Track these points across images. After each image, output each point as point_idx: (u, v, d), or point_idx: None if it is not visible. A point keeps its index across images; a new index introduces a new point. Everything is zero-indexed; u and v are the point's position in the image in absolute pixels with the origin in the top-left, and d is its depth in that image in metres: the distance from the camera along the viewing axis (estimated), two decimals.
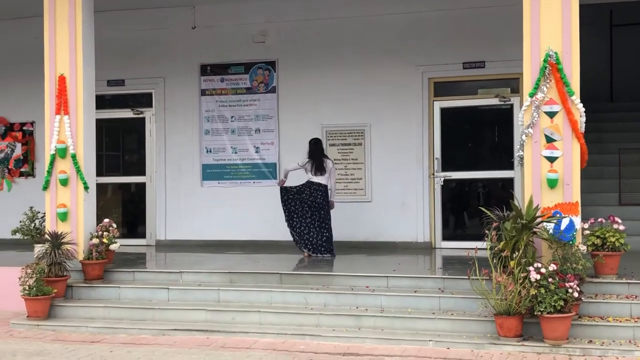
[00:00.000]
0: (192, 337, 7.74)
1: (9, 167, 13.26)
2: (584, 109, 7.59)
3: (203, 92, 12.46)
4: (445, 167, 11.45)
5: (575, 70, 7.60)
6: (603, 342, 6.94)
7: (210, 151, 12.43)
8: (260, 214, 11.92)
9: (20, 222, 10.03)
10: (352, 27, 11.77)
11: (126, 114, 12.82)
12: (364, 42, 11.73)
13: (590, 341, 6.98)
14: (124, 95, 12.88)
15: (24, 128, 13.23)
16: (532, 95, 7.63)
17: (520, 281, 6.95)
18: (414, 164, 11.49)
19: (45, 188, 9.22)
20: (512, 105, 11.12)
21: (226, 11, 12.17)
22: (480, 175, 11.49)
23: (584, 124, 7.62)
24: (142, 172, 12.81)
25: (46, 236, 8.93)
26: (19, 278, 8.45)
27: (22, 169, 13.21)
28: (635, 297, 7.44)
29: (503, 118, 11.31)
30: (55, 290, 8.50)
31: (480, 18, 11.20)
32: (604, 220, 7.82)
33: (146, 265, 10.56)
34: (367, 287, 8.21)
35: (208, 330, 7.82)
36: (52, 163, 9.17)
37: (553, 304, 6.77)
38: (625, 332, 7.07)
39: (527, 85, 7.71)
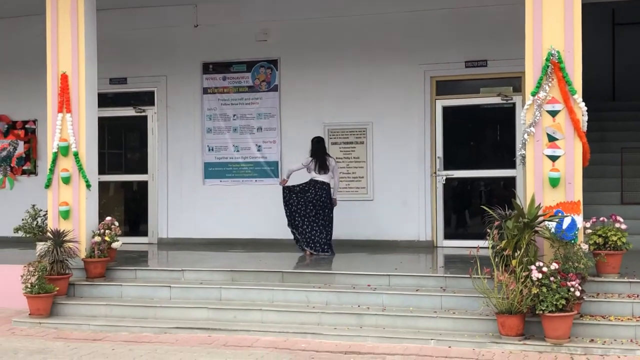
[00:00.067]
0: (193, 335, 7.74)
1: (12, 165, 13.28)
2: (586, 108, 7.58)
3: (205, 91, 12.46)
4: (447, 165, 11.45)
5: (577, 69, 7.59)
6: (605, 341, 6.94)
7: (212, 149, 12.43)
8: (262, 212, 11.93)
9: (23, 220, 10.07)
10: (354, 25, 11.77)
11: (128, 112, 12.82)
12: (366, 41, 11.73)
13: (592, 340, 6.98)
14: (126, 94, 12.88)
15: (27, 126, 13.24)
16: (534, 94, 7.62)
17: (522, 280, 6.94)
18: (416, 163, 11.49)
19: (47, 186, 9.24)
20: (514, 104, 11.11)
21: (228, 9, 12.16)
22: (482, 174, 11.49)
23: (586, 123, 7.61)
24: (144, 171, 12.82)
25: (48, 234, 8.93)
26: (21, 276, 8.46)
27: (25, 167, 13.22)
28: (637, 296, 7.44)
29: (505, 117, 11.30)
30: (58, 288, 8.51)
31: (482, 17, 11.19)
32: (605, 219, 7.82)
33: (148, 263, 10.58)
34: (368, 285, 8.22)
35: (210, 328, 7.82)
36: (54, 161, 9.18)
37: (555, 302, 6.77)
38: (627, 331, 7.06)
39: (530, 84, 7.70)
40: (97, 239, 8.94)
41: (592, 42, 10.12)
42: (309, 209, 10.26)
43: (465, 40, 11.31)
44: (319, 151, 10.42)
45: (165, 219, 12.58)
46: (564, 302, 6.79)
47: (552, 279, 6.85)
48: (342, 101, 11.81)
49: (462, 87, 11.56)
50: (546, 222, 7.39)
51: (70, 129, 9.09)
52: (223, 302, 8.33)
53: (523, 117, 7.74)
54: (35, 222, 9.92)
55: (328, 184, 10.32)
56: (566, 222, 7.36)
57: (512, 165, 10.67)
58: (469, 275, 7.43)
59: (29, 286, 8.39)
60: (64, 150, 9.12)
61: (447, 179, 11.42)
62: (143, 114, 12.77)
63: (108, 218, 9.25)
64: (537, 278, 6.86)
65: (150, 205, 12.71)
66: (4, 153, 13.33)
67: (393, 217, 11.52)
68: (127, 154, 13.40)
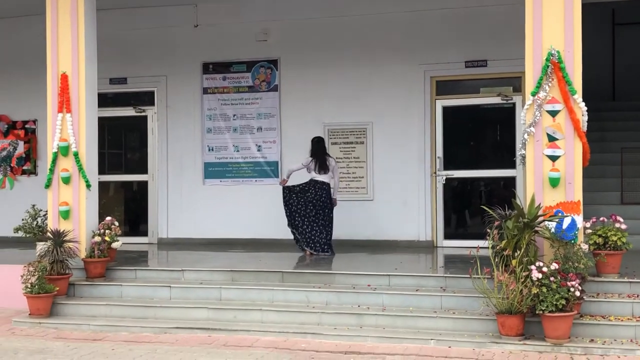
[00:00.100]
0: (193, 335, 7.74)
1: (12, 165, 13.28)
2: (586, 108, 7.58)
3: (205, 91, 12.46)
4: (447, 165, 11.45)
5: (577, 69, 7.59)
6: (605, 341, 6.94)
7: (212, 149, 12.43)
8: (262, 212, 11.93)
9: (23, 220, 10.07)
10: (354, 25, 11.77)
11: (128, 112, 12.82)
12: (366, 41, 11.73)
13: (592, 340, 6.98)
14: (126, 94, 12.88)
15: (27, 126, 13.24)
16: (534, 94, 7.62)
17: (522, 280, 6.94)
18: (416, 163, 11.49)
19: (47, 186, 9.24)
20: (514, 104, 11.11)
21: (228, 9, 12.16)
22: (482, 174, 11.49)
23: (586, 123, 7.61)
24: (144, 171, 12.82)
25: (48, 234, 8.94)
26: (21, 276, 8.46)
27: (25, 167, 13.22)
28: (637, 296, 7.43)
29: (505, 117, 11.30)
30: (57, 288, 8.51)
31: (482, 17, 11.19)
32: (605, 219, 7.81)
33: (148, 263, 10.58)
34: (368, 285, 8.22)
35: (210, 328, 7.82)
36: (54, 161, 9.18)
37: (555, 302, 6.77)
38: (627, 331, 7.07)
39: (530, 84, 7.70)
40: (97, 239, 8.94)
41: (592, 42, 10.11)
42: (309, 209, 10.26)
43: (465, 40, 11.31)
44: (319, 151, 10.42)
45: (165, 219, 12.58)
46: (564, 302, 6.79)
47: (552, 279, 6.85)
48: (342, 101, 11.81)
49: (462, 87, 11.56)
50: (546, 222, 7.39)
51: (70, 129, 9.09)
52: (223, 302, 8.33)
53: (523, 117, 7.74)
54: (35, 222, 9.92)
55: (328, 184, 10.32)
56: (566, 222, 7.36)
57: (512, 165, 10.67)
58: (469, 275, 7.43)
59: (29, 286, 8.39)
60: (64, 150, 9.12)
61: (447, 179, 11.42)
62: (143, 114, 12.76)
63: (108, 218, 9.25)
64: (537, 278, 6.86)
65: (150, 205, 12.71)
66: (4, 153, 13.33)
67: (393, 217, 11.52)
68: (127, 154, 13.40)
